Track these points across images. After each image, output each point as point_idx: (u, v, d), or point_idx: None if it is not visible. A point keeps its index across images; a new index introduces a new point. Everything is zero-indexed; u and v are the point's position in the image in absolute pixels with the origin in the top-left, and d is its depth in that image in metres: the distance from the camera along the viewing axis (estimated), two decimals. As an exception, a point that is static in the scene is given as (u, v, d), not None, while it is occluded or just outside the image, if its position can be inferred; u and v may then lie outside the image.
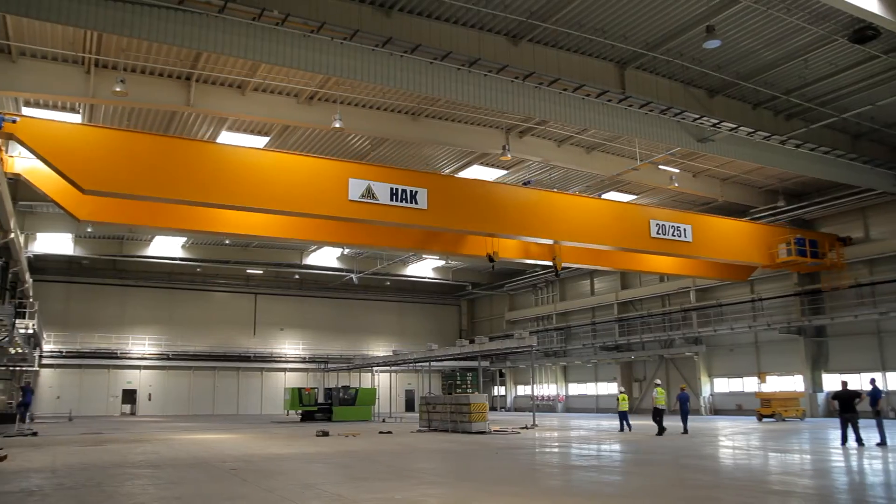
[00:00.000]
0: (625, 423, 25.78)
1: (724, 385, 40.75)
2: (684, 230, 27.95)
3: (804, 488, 10.68)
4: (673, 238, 27.56)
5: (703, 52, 21.04)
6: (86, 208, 21.33)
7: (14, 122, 17.15)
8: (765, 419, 31.84)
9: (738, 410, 38.76)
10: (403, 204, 21.87)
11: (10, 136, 17.48)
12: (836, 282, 34.15)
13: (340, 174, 21.26)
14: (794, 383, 35.72)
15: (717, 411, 40.31)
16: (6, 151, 21.57)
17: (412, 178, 22.62)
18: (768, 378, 35.74)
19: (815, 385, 34.78)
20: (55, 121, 18.89)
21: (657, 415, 23.91)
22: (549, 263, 29.07)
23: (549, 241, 26.72)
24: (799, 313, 34.93)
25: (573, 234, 25.78)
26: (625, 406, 26.23)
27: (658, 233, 27.14)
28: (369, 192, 21.32)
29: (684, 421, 24.42)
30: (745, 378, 39.16)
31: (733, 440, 21.22)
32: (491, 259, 26.63)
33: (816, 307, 34.43)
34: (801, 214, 34.24)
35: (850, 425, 17.62)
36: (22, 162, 21.57)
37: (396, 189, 21.86)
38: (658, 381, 26.48)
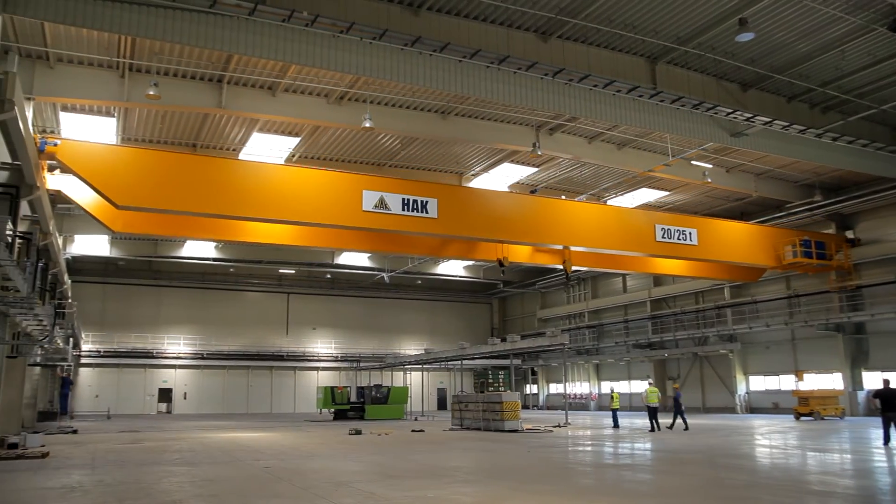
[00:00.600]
0: (617, 420, 27.53)
1: (759, 383, 40.11)
2: (689, 234, 28.66)
3: (845, 489, 10.46)
4: (678, 241, 28.26)
5: (735, 45, 20.71)
6: (120, 221, 22.71)
7: (55, 144, 18.58)
8: (802, 418, 31.29)
9: (775, 409, 38.13)
10: (415, 213, 22.98)
11: (52, 157, 18.75)
12: (844, 282, 34.43)
13: (355, 186, 22.38)
14: (832, 381, 35.01)
15: (752, 410, 39.70)
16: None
17: (423, 188, 23.70)
18: (805, 376, 35.05)
19: (855, 383, 34.07)
20: (91, 142, 20.23)
21: (652, 413, 25.31)
22: (561, 267, 29.64)
23: (557, 247, 27.49)
24: (838, 310, 34.21)
25: (580, 240, 26.66)
26: (616, 404, 27.99)
27: (663, 237, 27.88)
28: (382, 203, 22.50)
29: (683, 418, 25.91)
30: (781, 376, 38.49)
31: (770, 439, 20.89)
32: (501, 264, 27.66)
33: (855, 304, 33.70)
34: (839, 209, 33.53)
35: (892, 424, 17.22)
36: (59, 178, 22.07)
37: (408, 199, 22.99)
38: (650, 381, 27.50)
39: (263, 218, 21.81)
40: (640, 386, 48.25)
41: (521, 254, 29.25)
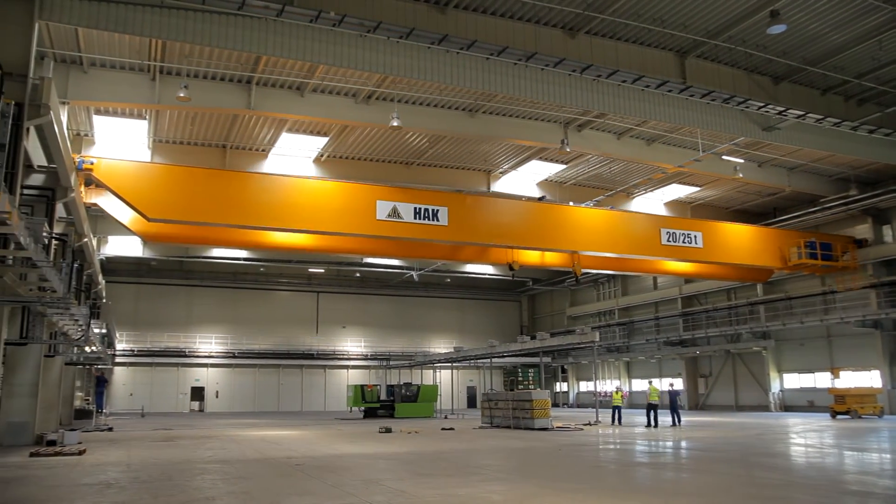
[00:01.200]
0: (617, 417, 27.86)
1: (794, 381, 39.47)
2: (695, 237, 29.80)
3: (885, 489, 10.23)
4: (684, 245, 29.39)
5: (767, 37, 20.40)
6: (151, 232, 24.40)
7: (92, 163, 20.56)
8: (839, 416, 30.73)
9: (810, 407, 37.52)
10: (426, 221, 24.48)
11: (89, 175, 20.71)
12: (851, 283, 34.85)
13: (369, 196, 23.96)
14: (870, 379, 34.31)
15: (787, 408, 39.09)
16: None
17: (434, 197, 25.17)
18: (842, 373, 34.40)
19: (894, 381, 33.36)
20: (123, 160, 22.14)
21: (651, 409, 26.38)
22: (570, 269, 31.12)
23: (564, 251, 28.97)
24: (875, 306, 33.48)
25: (586, 244, 28.02)
26: (618, 401, 28.47)
27: (669, 240, 29.06)
28: (395, 212, 24.08)
29: (674, 414, 27.00)
30: (816, 373, 37.86)
31: (805, 437, 20.55)
32: (511, 268, 29.48)
33: (894, 300, 32.95)
34: (875, 203, 32.78)
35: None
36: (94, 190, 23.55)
37: (419, 208, 24.49)
38: (651, 380, 28.17)
39: (284, 228, 23.36)
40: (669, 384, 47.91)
41: (531, 258, 30.60)
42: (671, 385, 29.16)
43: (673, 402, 27.39)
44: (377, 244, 27.72)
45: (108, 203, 23.54)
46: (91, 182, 22.00)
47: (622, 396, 29.05)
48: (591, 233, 27.98)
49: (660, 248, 29.03)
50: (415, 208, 24.40)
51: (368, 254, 31.09)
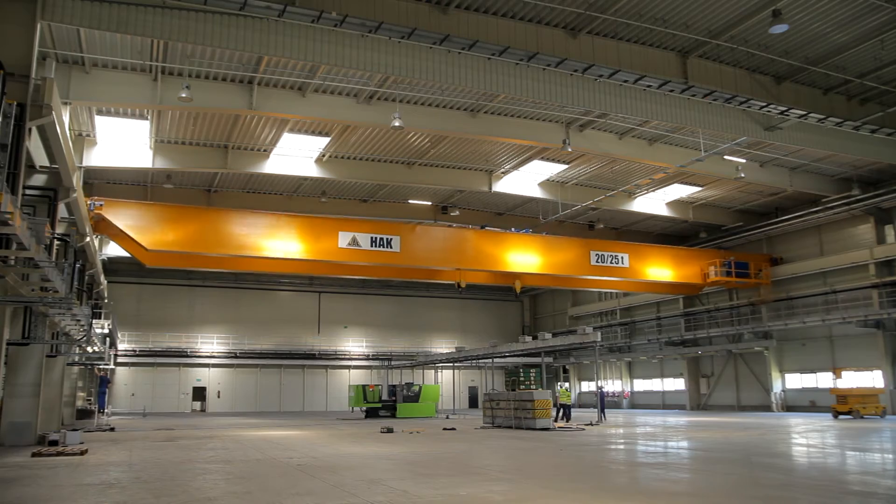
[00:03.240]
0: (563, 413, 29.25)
1: (796, 381, 39.41)
2: (621, 258, 34.90)
3: (887, 490, 10.22)
4: (611, 265, 34.49)
5: (769, 37, 20.39)
6: (149, 258, 28.82)
7: (101, 205, 25.46)
8: (841, 416, 30.67)
9: (812, 407, 37.46)
10: (381, 248, 29.42)
11: (99, 215, 25.44)
12: (763, 297, 39.21)
13: (333, 228, 29.21)
14: (872, 379, 34.25)
15: (789, 408, 39.03)
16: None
17: (388, 228, 30.19)
18: (844, 373, 34.31)
19: (896, 381, 33.33)
20: (126, 200, 27.50)
21: (564, 409, 28.78)
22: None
23: (504, 272, 33.56)
24: (877, 306, 33.39)
25: (523, 266, 32.75)
26: (566, 399, 30.04)
27: (597, 261, 34.16)
28: (354, 241, 29.10)
29: (601, 412, 30.49)
30: (818, 373, 37.80)
31: (807, 438, 20.52)
32: (458, 286, 33.94)
33: None
34: (878, 203, 32.74)
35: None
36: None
37: (375, 237, 29.47)
38: (564, 384, 33.42)
39: (259, 256, 28.38)
40: (672, 384, 47.96)
41: (478, 276, 35.21)
42: (600, 387, 31.87)
43: (601, 401, 31.25)
44: (340, 266, 32.57)
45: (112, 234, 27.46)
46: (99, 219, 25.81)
47: (569, 396, 30.99)
48: (527, 256, 32.87)
49: (589, 268, 34.06)
50: (371, 237, 29.24)
51: (333, 273, 35.41)
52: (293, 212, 33.22)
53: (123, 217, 26.05)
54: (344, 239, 28.76)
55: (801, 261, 37.87)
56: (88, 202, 23.14)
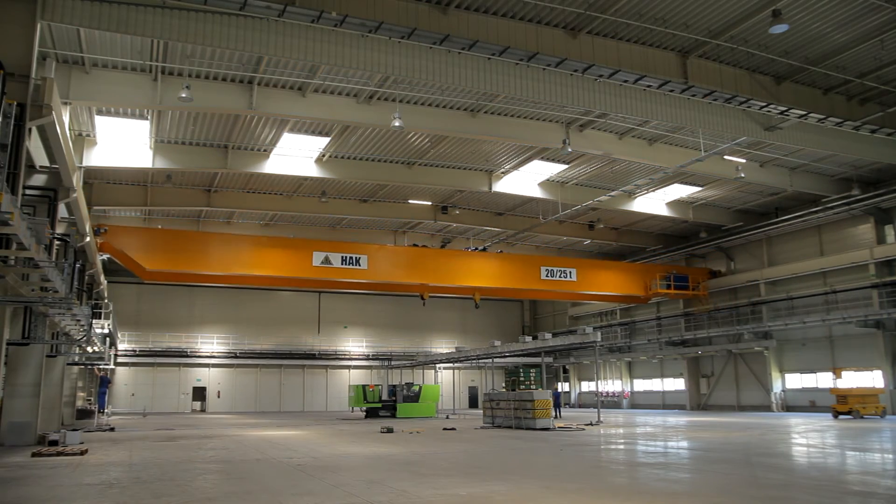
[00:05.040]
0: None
1: (796, 381, 39.40)
2: (570, 272, 38.35)
3: (887, 489, 10.22)
4: (560, 279, 38.04)
5: (769, 37, 20.38)
6: (147, 275, 31.68)
7: (105, 231, 28.76)
8: (841, 416, 30.67)
9: (812, 407, 37.45)
10: (351, 266, 33.13)
11: (104, 240, 28.86)
12: (700, 306, 43.43)
13: (307, 248, 32.86)
14: (872, 379, 34.24)
15: (789, 408, 39.02)
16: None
17: (357, 248, 34.09)
18: (844, 373, 34.29)
19: (896, 381, 33.33)
20: (126, 226, 31.52)
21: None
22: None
23: (462, 286, 37.23)
24: (877, 306, 33.38)
25: (479, 280, 36.71)
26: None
27: (547, 276, 37.70)
28: (327, 260, 32.71)
29: (557, 409, 33.27)
30: (818, 373, 37.79)
31: (807, 438, 20.52)
32: (422, 298, 37.73)
33: None
34: (878, 203, 32.72)
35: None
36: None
37: (346, 256, 33.13)
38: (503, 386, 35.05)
39: (243, 273, 32.32)
40: (671, 384, 47.92)
41: (440, 290, 38.47)
42: (555, 387, 34.41)
43: (556, 401, 33.82)
44: (314, 282, 36.29)
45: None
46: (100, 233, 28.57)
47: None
48: (483, 270, 36.76)
49: (539, 282, 37.59)
50: (342, 256, 32.88)
51: (308, 287, 39.56)
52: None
53: (125, 244, 29.62)
54: (317, 258, 32.37)
55: (802, 261, 37.85)
56: (94, 228, 26.29)
